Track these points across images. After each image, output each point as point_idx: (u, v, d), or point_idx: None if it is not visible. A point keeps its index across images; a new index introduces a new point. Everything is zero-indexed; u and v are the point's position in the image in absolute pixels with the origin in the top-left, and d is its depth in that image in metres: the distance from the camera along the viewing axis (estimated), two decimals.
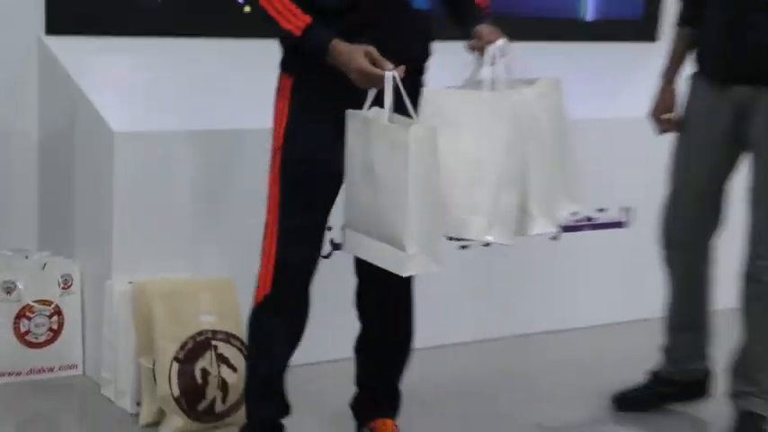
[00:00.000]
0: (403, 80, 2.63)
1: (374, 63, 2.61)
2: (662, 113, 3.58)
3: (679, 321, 3.67)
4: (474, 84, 2.76)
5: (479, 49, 2.73)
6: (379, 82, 2.60)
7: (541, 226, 2.78)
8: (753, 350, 3.50)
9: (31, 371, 3.63)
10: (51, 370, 3.68)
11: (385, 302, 3.14)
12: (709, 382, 3.73)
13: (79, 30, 3.92)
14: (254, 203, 3.47)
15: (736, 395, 3.53)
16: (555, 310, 4.64)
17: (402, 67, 2.59)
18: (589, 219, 4.62)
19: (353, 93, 2.73)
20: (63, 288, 3.68)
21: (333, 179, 2.83)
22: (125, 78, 3.85)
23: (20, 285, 3.60)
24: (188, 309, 3.38)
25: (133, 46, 4.02)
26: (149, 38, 4.07)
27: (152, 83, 3.88)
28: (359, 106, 2.70)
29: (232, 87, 4.03)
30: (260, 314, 2.92)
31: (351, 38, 2.69)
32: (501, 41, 2.70)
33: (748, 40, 3.28)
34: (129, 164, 3.53)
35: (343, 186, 2.77)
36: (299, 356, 3.05)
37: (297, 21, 2.66)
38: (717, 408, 3.69)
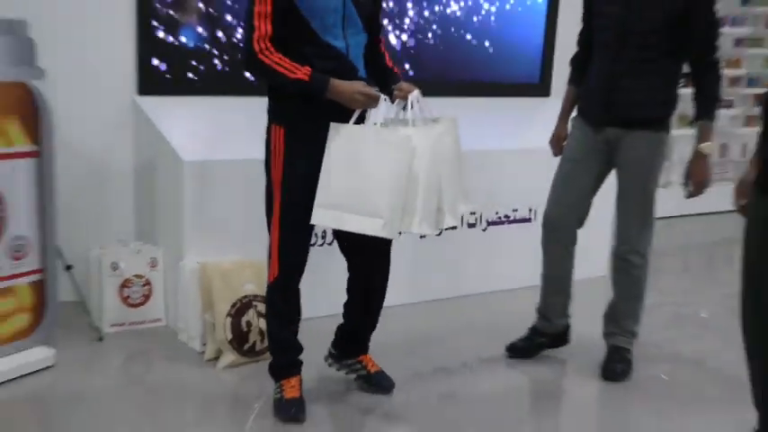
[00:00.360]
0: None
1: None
2: (557, 143, 3.70)
3: (551, 289, 3.69)
4: (400, 122, 2.82)
5: (402, 97, 2.82)
6: (374, 101, 2.74)
7: (450, 221, 2.82)
8: (618, 304, 3.60)
9: (130, 323, 3.81)
10: (143, 323, 3.86)
11: (367, 272, 3.16)
12: (569, 333, 3.77)
13: (159, 91, 4.09)
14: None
15: (607, 335, 3.64)
16: (484, 277, 4.65)
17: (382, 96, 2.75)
18: (507, 216, 4.68)
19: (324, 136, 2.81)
20: (151, 267, 3.87)
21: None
22: (190, 124, 3.96)
23: (122, 265, 3.78)
24: (236, 280, 3.52)
25: (196, 101, 4.13)
26: (207, 96, 4.18)
27: (207, 128, 3.96)
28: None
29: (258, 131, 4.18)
30: (271, 290, 3.00)
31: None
32: (417, 92, 2.80)
33: (617, 99, 3.34)
34: (194, 182, 3.65)
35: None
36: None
37: (301, 71, 2.71)
38: (574, 349, 3.77)
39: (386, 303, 3.23)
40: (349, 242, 3.08)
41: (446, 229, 2.83)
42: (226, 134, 3.94)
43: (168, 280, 3.93)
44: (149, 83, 4.11)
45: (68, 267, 3.65)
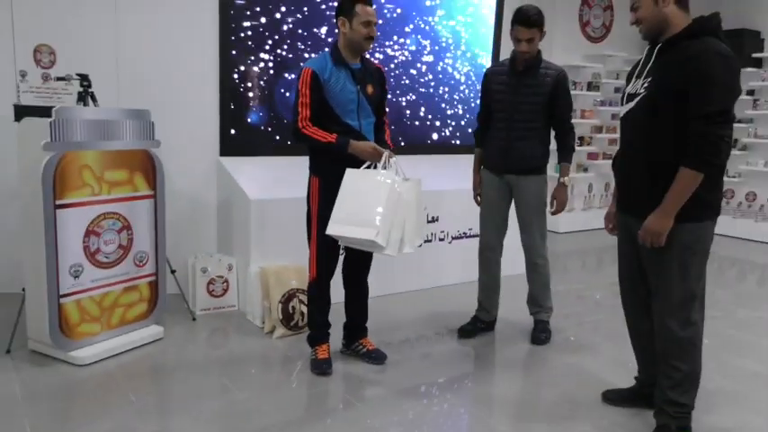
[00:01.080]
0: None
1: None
2: (476, 188, 3.53)
3: (487, 288, 3.59)
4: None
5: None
6: (379, 156, 2.72)
7: (407, 249, 2.71)
8: (535, 292, 3.53)
9: (214, 308, 3.81)
10: (223, 308, 3.84)
11: (358, 271, 3.12)
12: (495, 320, 3.67)
13: (235, 153, 4.10)
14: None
15: (533, 313, 3.58)
16: (440, 275, 4.53)
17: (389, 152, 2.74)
18: (462, 233, 4.60)
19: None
20: (228, 270, 3.86)
21: None
22: (255, 175, 3.95)
23: (209, 269, 3.80)
24: (284, 278, 3.54)
25: (259, 160, 4.14)
26: (266, 156, 4.19)
27: (266, 177, 3.96)
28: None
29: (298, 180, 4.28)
30: (311, 286, 2.99)
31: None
32: (387, 153, 2.76)
33: (512, 155, 3.28)
34: (257, 213, 3.70)
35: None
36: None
37: (330, 136, 2.73)
38: (500, 333, 3.66)
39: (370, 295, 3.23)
40: (350, 253, 3.07)
41: (405, 252, 2.73)
42: (277, 182, 3.95)
43: (240, 278, 3.91)
44: (228, 147, 4.14)
45: (173, 271, 3.65)
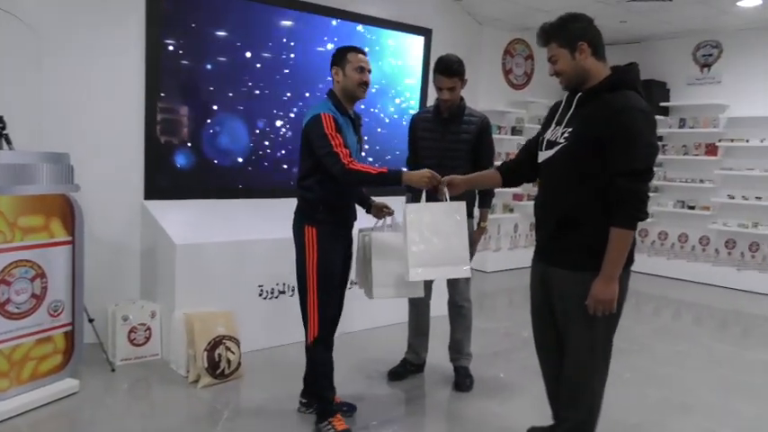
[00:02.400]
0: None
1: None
2: None
3: (417, 333, 3.58)
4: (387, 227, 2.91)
5: (386, 213, 2.94)
6: (436, 180, 2.60)
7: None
8: (457, 336, 3.50)
9: (135, 357, 3.65)
10: (145, 357, 3.68)
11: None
12: (424, 363, 3.65)
13: (160, 196, 4.01)
14: (240, 276, 3.74)
15: (453, 359, 3.55)
16: (369, 317, 4.48)
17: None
18: None
19: (345, 232, 2.83)
20: (151, 317, 3.72)
21: (340, 278, 2.82)
22: (180, 219, 3.87)
23: (130, 317, 3.65)
24: (211, 325, 3.46)
25: (184, 203, 4.07)
26: (192, 200, 4.11)
27: (191, 221, 3.90)
28: (345, 238, 2.81)
29: (230, 222, 4.02)
30: (314, 347, 2.78)
31: (343, 196, 2.78)
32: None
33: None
34: (183, 258, 3.59)
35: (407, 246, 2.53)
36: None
37: (379, 169, 2.64)
38: (430, 376, 3.62)
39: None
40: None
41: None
42: (204, 225, 3.90)
43: (163, 326, 3.77)
44: (153, 190, 4.05)
45: (91, 320, 3.48)
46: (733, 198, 6.78)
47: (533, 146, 2.49)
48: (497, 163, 2.88)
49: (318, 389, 2.85)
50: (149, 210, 3.92)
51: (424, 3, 5.66)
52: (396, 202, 3.13)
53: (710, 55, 7.09)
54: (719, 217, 6.95)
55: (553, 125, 2.35)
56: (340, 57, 2.77)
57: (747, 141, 6.67)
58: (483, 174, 2.78)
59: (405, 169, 2.69)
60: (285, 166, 4.66)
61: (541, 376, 2.62)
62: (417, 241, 2.51)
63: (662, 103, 7.31)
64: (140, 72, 3.91)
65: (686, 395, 3.55)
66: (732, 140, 6.79)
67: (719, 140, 6.88)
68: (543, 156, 2.36)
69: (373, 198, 3.06)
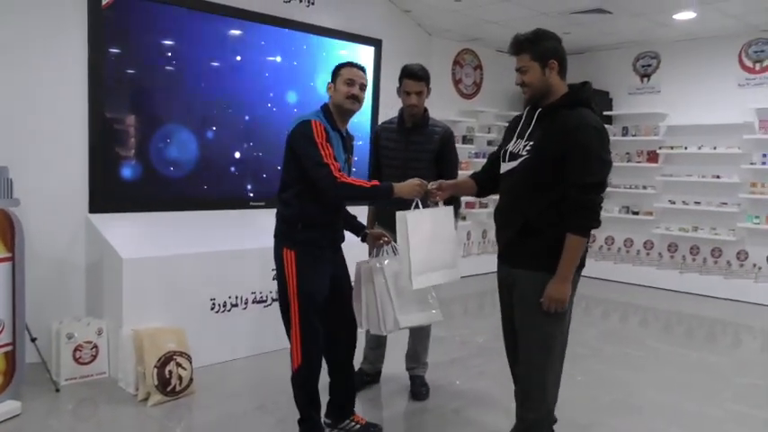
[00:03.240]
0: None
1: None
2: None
3: (374, 344, 3.56)
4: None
5: (384, 242, 2.85)
6: (425, 187, 2.57)
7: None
8: (415, 347, 3.50)
9: (81, 377, 3.53)
10: (91, 375, 3.57)
11: (346, 352, 2.89)
12: (380, 373, 3.64)
13: (105, 210, 3.88)
14: (190, 290, 3.68)
15: (409, 368, 3.55)
16: None
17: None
18: None
19: (330, 254, 2.72)
20: (98, 334, 3.60)
21: (325, 301, 2.68)
22: (129, 232, 3.78)
23: (76, 334, 3.54)
24: (160, 341, 3.38)
25: (137, 216, 3.95)
26: (143, 212, 3.99)
27: (138, 234, 3.82)
28: (331, 260, 2.69)
29: (179, 235, 3.93)
30: (297, 377, 2.68)
31: (325, 213, 2.65)
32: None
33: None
34: (130, 272, 3.51)
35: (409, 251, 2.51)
36: None
37: (371, 183, 2.59)
38: (386, 385, 3.61)
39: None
40: (337, 316, 2.80)
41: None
42: (152, 239, 3.82)
43: (111, 343, 3.66)
44: (98, 204, 3.92)
45: (33, 339, 3.36)
46: (674, 203, 7.04)
47: (497, 158, 2.60)
48: (466, 173, 2.87)
49: (304, 411, 2.76)
50: (94, 223, 3.81)
51: (374, 14, 5.70)
52: (360, 212, 3.10)
53: (650, 65, 7.37)
54: (662, 222, 7.19)
55: (515, 138, 2.47)
56: (335, 72, 2.72)
57: (686, 148, 6.94)
58: (464, 180, 2.78)
59: (395, 183, 2.63)
60: (235, 176, 4.60)
61: (497, 383, 2.70)
62: (419, 248, 2.52)
63: (605, 112, 7.53)
64: (83, 83, 3.80)
65: (635, 396, 3.65)
66: (672, 148, 7.06)
67: (660, 148, 7.15)
68: (506, 167, 2.47)
69: (366, 225, 2.97)
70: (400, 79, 3.27)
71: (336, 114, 2.70)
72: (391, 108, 4.01)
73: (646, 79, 7.41)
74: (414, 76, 3.22)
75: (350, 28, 5.33)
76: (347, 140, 2.78)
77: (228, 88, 4.50)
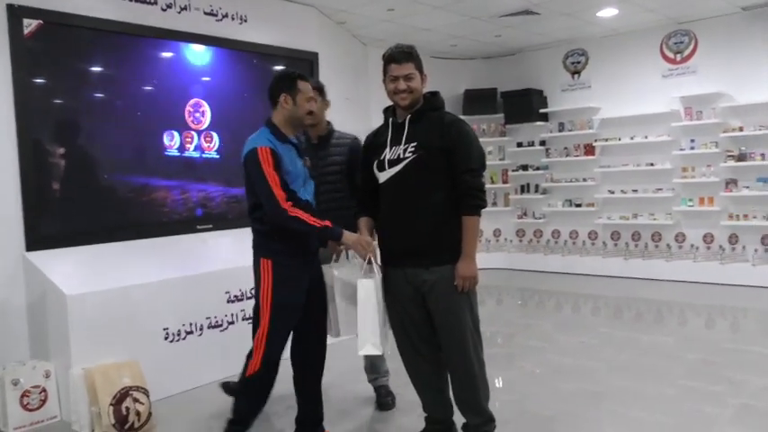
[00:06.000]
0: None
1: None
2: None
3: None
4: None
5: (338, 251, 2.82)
6: (370, 248, 2.61)
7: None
8: (369, 359, 3.42)
9: (31, 423, 3.38)
10: (42, 421, 3.42)
11: (314, 355, 2.90)
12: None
13: (43, 246, 3.71)
14: (141, 322, 3.59)
15: (372, 380, 3.50)
16: None
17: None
18: None
19: (307, 262, 2.73)
20: (45, 377, 3.46)
21: (298, 312, 2.71)
22: (71, 268, 3.67)
23: (21, 380, 3.39)
24: (115, 377, 3.28)
25: (79, 250, 3.81)
26: (81, 246, 3.84)
27: (80, 269, 3.70)
28: (310, 270, 2.72)
29: (125, 266, 3.83)
30: (252, 379, 2.68)
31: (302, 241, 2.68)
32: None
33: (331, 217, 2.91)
34: (75, 309, 3.38)
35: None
36: None
37: (322, 222, 2.60)
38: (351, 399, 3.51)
39: None
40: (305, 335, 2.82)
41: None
42: (98, 272, 3.69)
43: (60, 385, 3.50)
44: (35, 240, 3.74)
45: None
46: (613, 193, 7.29)
47: (370, 176, 2.70)
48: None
49: (240, 414, 2.76)
50: (33, 261, 3.64)
51: (309, 27, 5.66)
52: None
53: (579, 62, 7.63)
54: (603, 212, 7.43)
55: (389, 147, 2.63)
56: (290, 83, 2.72)
57: (620, 140, 7.22)
58: (370, 223, 2.76)
59: (345, 231, 2.64)
60: (178, 200, 4.50)
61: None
62: (370, 316, 2.58)
63: (541, 110, 7.75)
64: (10, 117, 3.64)
65: (595, 383, 3.74)
66: (606, 140, 7.32)
67: (595, 140, 7.40)
68: (387, 174, 2.61)
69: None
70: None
71: (288, 126, 2.74)
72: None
73: (576, 76, 7.66)
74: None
75: (285, 43, 5.30)
76: (299, 147, 2.81)
77: (164, 111, 4.41)
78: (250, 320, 3.71)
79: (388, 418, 3.35)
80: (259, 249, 2.72)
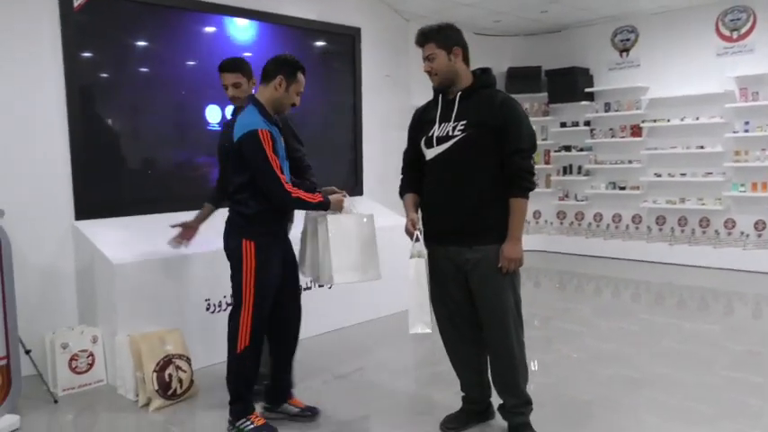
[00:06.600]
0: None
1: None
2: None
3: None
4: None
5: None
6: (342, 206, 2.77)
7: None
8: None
9: (79, 386, 3.51)
10: (89, 384, 3.55)
11: (292, 326, 3.01)
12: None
13: (91, 216, 3.86)
14: (184, 292, 3.68)
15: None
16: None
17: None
18: None
19: (284, 239, 2.90)
20: (93, 342, 3.59)
21: (288, 283, 2.88)
22: (118, 237, 3.77)
23: (70, 344, 3.52)
24: (158, 345, 3.37)
25: (125, 220, 3.95)
26: (127, 216, 3.98)
27: (127, 238, 3.78)
28: (282, 246, 2.84)
29: (169, 237, 3.78)
30: (242, 356, 2.78)
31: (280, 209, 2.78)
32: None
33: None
34: (122, 278, 3.48)
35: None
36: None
37: (316, 198, 2.73)
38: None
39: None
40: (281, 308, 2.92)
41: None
42: (142, 242, 3.76)
43: (107, 350, 3.63)
44: (84, 210, 3.88)
45: (27, 351, 3.32)
46: (660, 176, 7.11)
47: (416, 152, 2.71)
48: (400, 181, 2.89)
49: (239, 392, 2.85)
50: (81, 230, 3.77)
51: (350, 2, 5.62)
52: None
53: (628, 39, 7.40)
54: (649, 195, 7.26)
55: (438, 124, 2.61)
56: (292, 70, 2.76)
57: (668, 121, 7.00)
58: (416, 199, 2.76)
59: (329, 196, 2.80)
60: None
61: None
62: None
63: (587, 89, 7.57)
64: (60, 87, 3.75)
65: (633, 369, 3.69)
66: (655, 121, 7.12)
67: (643, 121, 7.19)
68: (435, 151, 2.60)
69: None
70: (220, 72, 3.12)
71: (271, 108, 2.78)
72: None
73: (625, 54, 7.44)
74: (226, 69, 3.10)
75: (327, 17, 5.28)
76: (281, 127, 2.86)
77: (207, 86, 4.43)
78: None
79: (424, 395, 3.38)
80: (241, 231, 2.76)
